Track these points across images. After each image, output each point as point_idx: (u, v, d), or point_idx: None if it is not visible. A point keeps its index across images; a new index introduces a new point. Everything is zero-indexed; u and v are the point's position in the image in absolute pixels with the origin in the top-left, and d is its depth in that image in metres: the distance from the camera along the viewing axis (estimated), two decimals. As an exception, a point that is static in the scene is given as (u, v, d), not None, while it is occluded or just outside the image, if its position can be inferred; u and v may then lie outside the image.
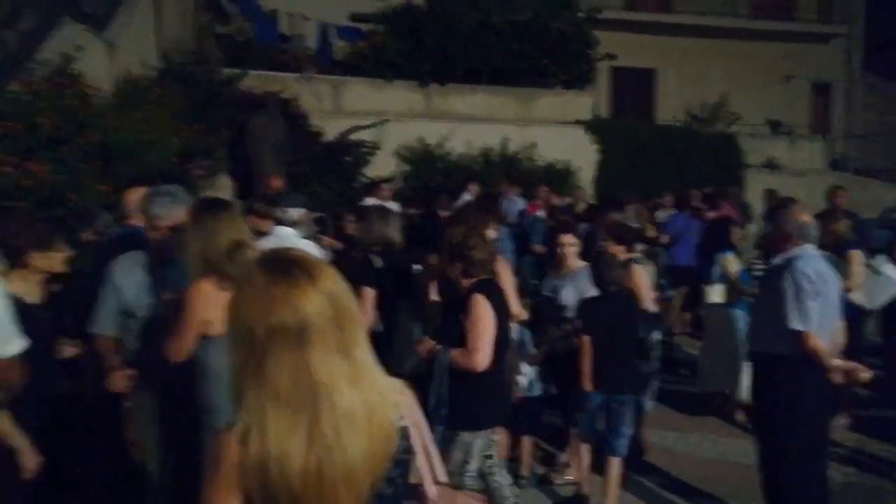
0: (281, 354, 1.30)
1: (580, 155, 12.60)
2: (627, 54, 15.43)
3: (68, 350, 3.06)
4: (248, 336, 1.32)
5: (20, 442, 2.45)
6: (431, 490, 1.66)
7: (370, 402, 1.36)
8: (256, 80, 10.72)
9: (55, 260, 2.79)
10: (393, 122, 11.90)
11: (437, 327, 3.51)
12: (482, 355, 3.17)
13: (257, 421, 1.30)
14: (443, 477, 1.71)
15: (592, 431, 4.03)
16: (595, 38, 13.51)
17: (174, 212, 2.93)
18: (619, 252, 4.71)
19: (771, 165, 14.92)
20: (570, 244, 4.50)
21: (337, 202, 10.08)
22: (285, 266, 1.36)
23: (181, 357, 2.59)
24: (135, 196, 3.82)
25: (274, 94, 10.48)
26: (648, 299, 4.61)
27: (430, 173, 11.75)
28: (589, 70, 13.61)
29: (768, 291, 3.67)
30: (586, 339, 3.93)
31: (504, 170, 11.81)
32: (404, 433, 1.47)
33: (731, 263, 5.35)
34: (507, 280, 3.88)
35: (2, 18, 5.72)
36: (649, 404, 4.84)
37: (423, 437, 1.56)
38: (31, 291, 2.76)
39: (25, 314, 2.47)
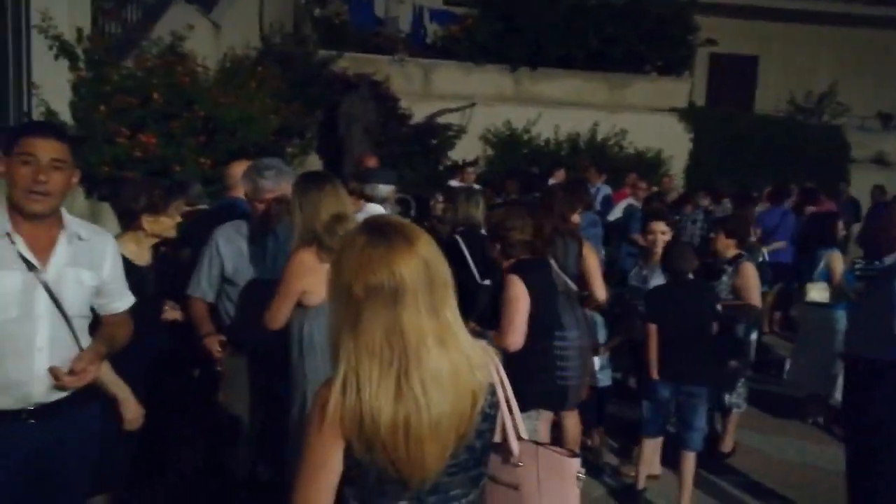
0: (376, 311, 1.40)
1: (672, 143, 12.22)
2: (728, 40, 14.78)
3: (171, 312, 3.22)
4: (347, 294, 1.42)
5: (123, 392, 2.56)
6: (515, 445, 1.73)
7: (456, 361, 1.45)
8: (351, 62, 10.95)
9: (166, 225, 2.96)
10: (481, 105, 11.91)
11: (482, 309, 3.53)
12: (513, 336, 3.16)
13: (353, 373, 1.40)
14: (524, 433, 1.78)
15: (656, 423, 3.96)
16: (695, 22, 13.03)
17: (280, 184, 3.06)
18: (730, 246, 4.57)
19: (880, 161, 14.01)
20: (661, 232, 4.40)
21: (422, 184, 10.23)
22: (385, 230, 1.46)
23: (277, 325, 2.69)
24: (238, 169, 4.02)
25: (366, 75, 10.70)
26: (755, 298, 4.44)
27: (514, 158, 11.70)
28: (687, 56, 13.16)
29: (874, 294, 3.48)
30: (652, 327, 3.88)
31: (592, 156, 11.62)
32: (492, 389, 1.54)
33: (837, 261, 5.06)
34: (593, 265, 3.85)
35: (120, -1, 6.10)
36: (742, 405, 4.69)
37: (506, 395, 1.63)
38: (142, 254, 2.94)
39: (134, 275, 2.61)
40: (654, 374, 3.88)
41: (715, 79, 16.87)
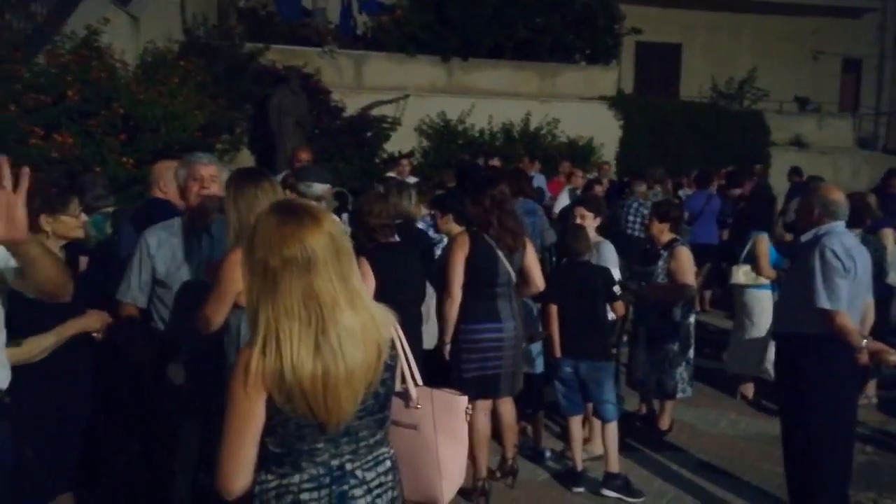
0: (292, 280, 1.59)
1: (603, 131, 12.47)
2: (653, 29, 15.17)
3: (93, 319, 3.04)
4: (264, 267, 1.60)
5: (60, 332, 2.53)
6: (413, 391, 2.02)
7: (364, 319, 1.66)
8: (279, 55, 10.71)
9: (69, 225, 2.76)
10: (414, 97, 11.86)
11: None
12: None
13: (273, 335, 1.58)
14: (419, 380, 2.06)
15: (570, 400, 4.10)
16: (620, 11, 13.29)
17: (215, 165, 2.98)
18: (664, 231, 4.68)
19: (798, 143, 14.67)
20: (580, 216, 4.49)
21: (358, 177, 10.10)
22: (295, 210, 1.66)
23: (214, 327, 2.59)
24: (163, 168, 3.86)
25: (296, 68, 10.48)
26: (690, 279, 4.60)
27: (450, 149, 11.71)
28: (614, 45, 13.43)
29: (796, 270, 3.62)
30: (552, 307, 4.06)
31: (525, 145, 11.74)
32: (391, 343, 1.76)
33: (762, 243, 5.26)
34: (531, 255, 3.90)
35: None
36: (688, 389, 4.82)
37: (403, 348, 1.89)
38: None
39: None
40: (557, 353, 4.06)
41: (641, 67, 17.32)
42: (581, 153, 12.09)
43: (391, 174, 8.20)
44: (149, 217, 3.47)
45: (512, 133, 12.12)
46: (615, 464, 4.02)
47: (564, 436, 4.53)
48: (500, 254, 3.69)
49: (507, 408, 3.92)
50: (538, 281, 3.86)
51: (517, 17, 12.30)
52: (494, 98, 12.11)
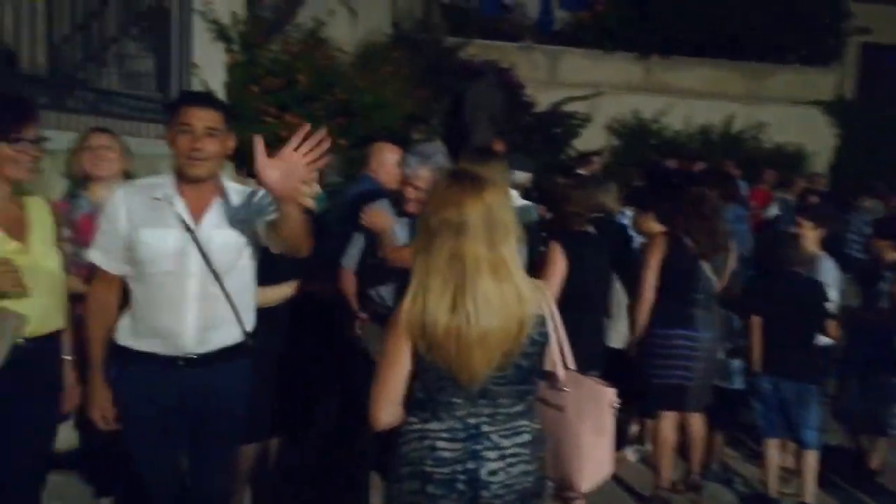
0: (443, 240, 1.72)
1: (816, 138, 11.43)
2: (884, 29, 13.58)
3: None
4: (426, 225, 1.76)
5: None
6: (561, 373, 2.04)
7: (506, 290, 1.73)
8: (478, 49, 10.97)
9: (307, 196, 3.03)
10: (608, 94, 11.61)
11: None
12: None
13: (422, 288, 1.73)
14: (571, 364, 2.06)
15: (768, 421, 3.76)
16: (847, 9, 12.07)
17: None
18: (886, 249, 4.24)
19: None
20: (801, 225, 4.12)
21: (543, 173, 10.10)
22: (461, 178, 1.78)
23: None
24: (376, 150, 4.11)
25: (492, 63, 10.68)
26: None
27: (641, 149, 11.33)
28: (836, 45, 12.21)
29: None
30: (755, 320, 3.72)
31: (725, 150, 11.06)
32: (542, 321, 1.81)
33: None
34: (732, 264, 3.70)
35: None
36: None
37: (556, 330, 1.91)
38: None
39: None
40: (757, 368, 3.73)
41: (866, 70, 15.54)
42: (788, 161, 11.15)
43: (580, 171, 8.12)
44: (359, 194, 3.72)
45: (711, 136, 11.47)
46: (812, 495, 3.69)
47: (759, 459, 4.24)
48: (704, 261, 3.52)
49: (696, 421, 3.75)
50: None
51: (726, 13, 11.59)
52: (694, 98, 11.52)
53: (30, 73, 3.69)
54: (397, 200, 3.20)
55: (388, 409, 1.79)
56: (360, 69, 6.12)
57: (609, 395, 2.16)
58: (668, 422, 3.64)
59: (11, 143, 2.19)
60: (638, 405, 4.02)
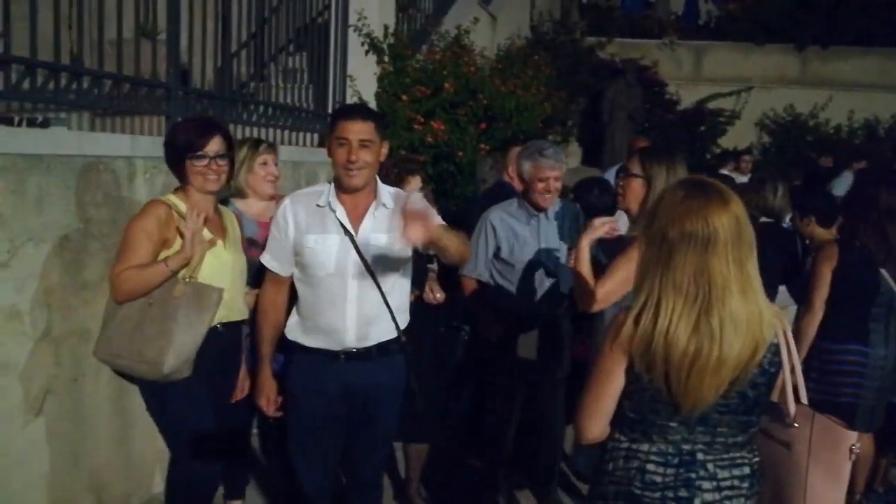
0: (687, 255, 1.59)
1: None
2: None
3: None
4: (661, 238, 1.63)
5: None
6: (791, 406, 1.83)
7: (751, 311, 1.61)
8: (618, 48, 10.74)
9: None
10: (758, 89, 10.95)
11: None
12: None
13: (653, 304, 1.62)
14: (804, 398, 1.85)
15: None
16: None
17: (560, 163, 3.16)
18: None
19: None
20: None
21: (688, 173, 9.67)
22: (703, 187, 1.66)
23: (605, 306, 2.63)
24: (513, 154, 4.15)
25: (632, 61, 10.41)
26: None
27: (796, 146, 10.58)
28: None
29: None
30: None
31: (893, 146, 10.08)
32: (775, 349, 1.68)
33: None
34: None
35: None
36: None
37: (791, 359, 1.75)
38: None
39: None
40: None
41: None
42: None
43: (724, 171, 7.70)
44: (493, 198, 3.76)
45: (877, 130, 10.50)
46: None
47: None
48: (883, 269, 3.21)
49: (865, 440, 3.45)
50: None
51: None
52: (858, 90, 10.59)
53: (201, 89, 4.04)
54: (532, 203, 3.19)
55: (598, 423, 1.72)
56: (501, 74, 6.17)
57: (848, 439, 1.92)
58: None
59: (196, 160, 2.46)
60: None
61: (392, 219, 2.38)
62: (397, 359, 2.51)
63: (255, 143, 3.05)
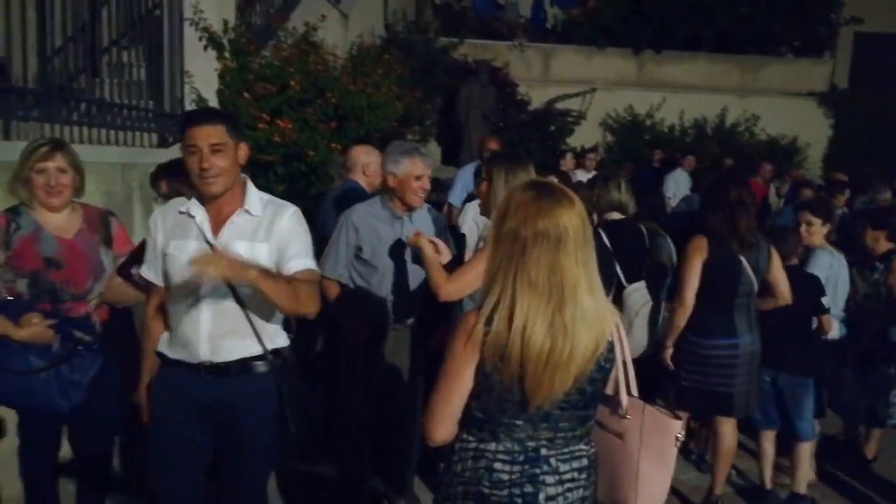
0: (541, 254, 1.63)
1: (810, 130, 11.46)
2: (876, 18, 13.59)
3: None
4: (513, 238, 1.65)
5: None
6: (624, 399, 1.95)
7: (597, 308, 1.68)
8: (471, 48, 11.00)
9: None
10: (601, 90, 11.65)
11: None
12: None
13: (507, 302, 1.64)
14: (634, 391, 1.97)
15: (764, 412, 3.78)
16: (839, -1, 12.11)
17: (430, 166, 3.19)
18: (879, 239, 4.25)
19: None
20: (808, 221, 4.06)
21: (540, 171, 10.10)
22: (551, 188, 1.71)
23: (457, 297, 2.76)
24: (358, 153, 4.16)
25: (486, 62, 10.71)
26: None
27: (636, 144, 11.36)
28: (829, 36, 12.25)
29: None
30: None
31: (719, 143, 11.10)
32: (610, 346, 1.76)
33: None
34: (777, 263, 3.63)
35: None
36: None
37: (623, 354, 1.84)
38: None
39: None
40: None
41: (860, 60, 15.55)
42: (783, 153, 11.19)
43: (563, 168, 8.08)
44: (345, 199, 3.73)
45: (705, 129, 11.50)
46: (802, 484, 3.73)
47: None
48: (744, 261, 3.41)
49: (730, 428, 3.67)
50: (785, 293, 3.55)
51: (718, 7, 11.61)
52: (688, 92, 11.56)
53: (22, 85, 3.70)
54: (400, 203, 3.16)
55: (446, 426, 1.73)
56: (352, 72, 6.13)
57: (674, 427, 2.02)
58: (728, 425, 3.61)
59: None
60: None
61: (259, 227, 2.30)
62: (263, 378, 2.34)
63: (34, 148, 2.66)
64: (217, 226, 2.31)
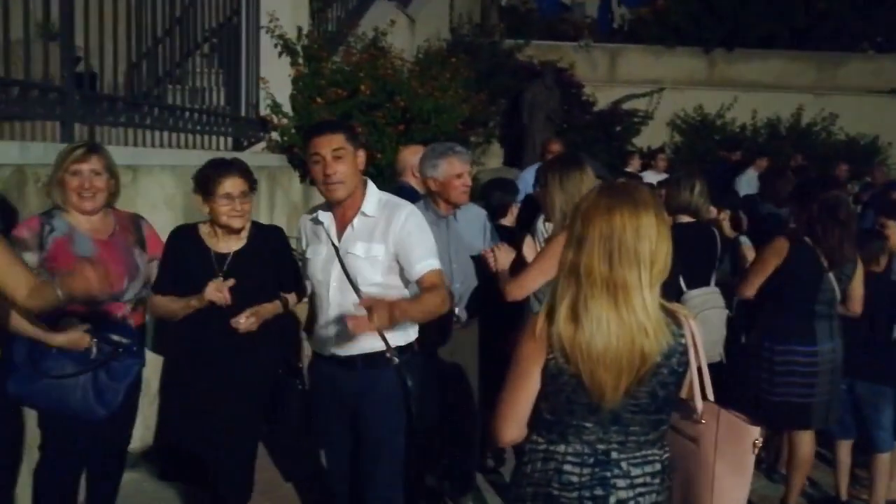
0: (607, 254, 1.64)
1: (892, 129, 10.93)
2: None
3: None
4: (580, 239, 1.67)
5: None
6: (699, 403, 1.90)
7: (627, 320, 1.65)
8: (536, 50, 10.97)
9: None
10: (670, 90, 11.43)
11: None
12: None
13: (571, 303, 1.66)
14: (710, 395, 1.92)
15: (841, 422, 3.62)
16: (923, -9, 11.52)
17: (469, 163, 3.26)
18: None
19: None
20: (884, 225, 3.91)
21: (604, 172, 10.00)
22: (623, 191, 1.71)
23: (521, 296, 2.83)
24: (408, 154, 4.09)
25: (550, 63, 10.67)
26: None
27: (705, 144, 11.10)
28: (911, 30, 11.67)
29: None
30: None
31: (793, 143, 10.72)
32: (683, 349, 1.73)
33: None
34: (860, 274, 3.53)
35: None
36: None
37: (698, 358, 1.80)
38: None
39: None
40: None
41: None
42: (862, 153, 10.72)
43: (629, 169, 7.98)
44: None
45: (779, 129, 11.13)
46: (880, 499, 3.59)
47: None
48: (826, 267, 3.31)
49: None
50: (856, 304, 3.45)
51: (793, 3, 11.23)
52: (761, 91, 11.21)
53: (111, 94, 3.93)
54: (444, 204, 3.21)
55: (515, 427, 1.75)
56: (419, 76, 6.23)
57: (751, 434, 1.97)
58: (806, 436, 3.50)
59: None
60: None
61: (375, 228, 2.46)
62: (386, 372, 2.47)
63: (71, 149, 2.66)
64: (341, 229, 2.51)
